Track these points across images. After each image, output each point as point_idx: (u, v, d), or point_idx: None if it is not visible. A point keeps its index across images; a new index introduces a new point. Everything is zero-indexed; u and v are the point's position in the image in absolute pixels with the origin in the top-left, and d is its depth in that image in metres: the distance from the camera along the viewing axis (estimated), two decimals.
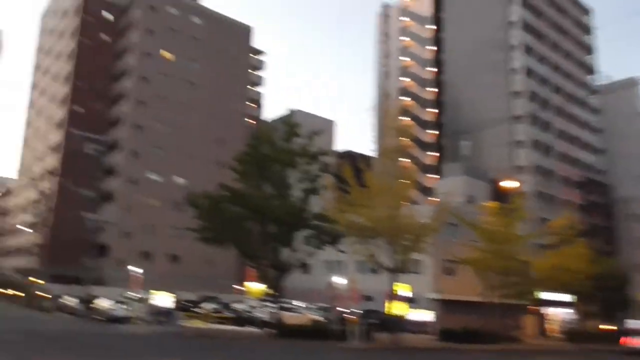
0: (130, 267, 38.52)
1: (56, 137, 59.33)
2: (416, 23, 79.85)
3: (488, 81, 62.41)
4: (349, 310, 26.68)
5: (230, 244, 26.27)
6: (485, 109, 61.90)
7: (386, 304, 26.01)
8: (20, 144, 77.36)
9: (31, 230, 59.31)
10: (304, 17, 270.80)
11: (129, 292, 35.58)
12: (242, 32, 66.56)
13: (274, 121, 64.72)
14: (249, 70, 69.09)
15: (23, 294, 48.58)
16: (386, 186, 22.86)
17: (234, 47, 64.52)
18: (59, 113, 60.21)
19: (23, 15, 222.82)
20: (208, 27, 62.73)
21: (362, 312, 26.20)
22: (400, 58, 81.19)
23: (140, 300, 32.60)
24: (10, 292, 55.54)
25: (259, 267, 27.02)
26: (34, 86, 77.37)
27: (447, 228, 31.48)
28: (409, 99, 76.99)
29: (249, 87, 68.47)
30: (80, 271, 41.38)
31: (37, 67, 77.49)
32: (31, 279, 49.21)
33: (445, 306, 35.93)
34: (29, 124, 75.96)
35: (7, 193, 78.74)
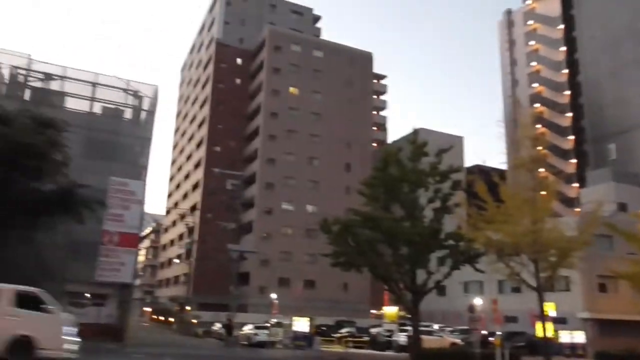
0: (269, 294, 40.28)
1: (198, 175, 64.85)
2: (544, 25, 74.93)
3: (635, 77, 56.13)
4: (491, 333, 25.10)
5: (364, 267, 26.24)
6: (634, 106, 55.62)
7: (534, 325, 23.95)
8: (168, 183, 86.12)
9: (180, 262, 64.94)
10: (420, 35, 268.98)
11: (270, 318, 37.06)
12: (362, 59, 67.75)
13: (399, 141, 64.41)
14: (372, 96, 69.95)
15: (176, 321, 53.05)
16: (525, 199, 21.28)
17: (355, 75, 65.87)
18: (199, 153, 65.90)
19: (166, 70, 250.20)
20: (328, 59, 64.92)
21: (505, 334, 24.47)
22: (529, 63, 76.51)
23: (280, 325, 33.75)
24: (164, 319, 60.99)
25: (394, 290, 26.49)
26: (177, 130, 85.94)
27: (599, 240, 28.46)
28: (541, 105, 71.91)
29: (372, 112, 69.28)
30: (226, 298, 44.08)
31: (179, 114, 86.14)
32: (182, 306, 53.59)
33: (600, 326, 32.38)
34: (174, 164, 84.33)
35: (163, 230, 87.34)
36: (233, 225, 38.60)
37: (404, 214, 25.22)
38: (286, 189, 58.17)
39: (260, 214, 56.86)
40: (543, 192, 22.88)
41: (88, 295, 29.01)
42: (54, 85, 29.96)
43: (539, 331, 23.43)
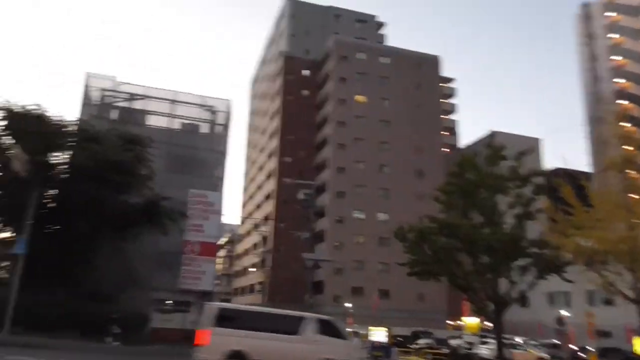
0: (343, 303, 40.09)
1: (270, 185, 66.18)
2: (626, 16, 70.42)
3: None
4: (581, 348, 23.54)
5: (442, 276, 25.56)
6: None
7: (632, 341, 22.22)
8: (242, 194, 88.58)
9: (255, 271, 66.35)
10: (490, 34, 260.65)
11: (346, 328, 36.91)
12: (429, 63, 66.71)
13: (473, 146, 62.61)
14: (441, 100, 68.60)
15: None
16: (618, 203, 19.88)
17: (422, 79, 64.93)
18: (271, 164, 67.29)
19: (236, 85, 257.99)
20: (395, 65, 64.42)
21: (599, 350, 22.84)
22: (611, 57, 72.06)
23: (357, 335, 33.43)
24: None
25: (475, 300, 25.58)
26: (249, 143, 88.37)
27: None
28: (627, 102, 67.40)
29: (442, 116, 67.88)
30: (300, 307, 44.44)
31: (250, 126, 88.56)
32: None
33: None
34: (246, 175, 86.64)
35: (237, 239, 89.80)
36: (306, 234, 38.97)
37: (482, 220, 24.35)
38: (357, 197, 58.06)
39: (332, 223, 57.06)
40: (635, 195, 21.36)
41: (171, 302, 30.20)
42: (137, 104, 31.73)
43: (637, 348, 21.71)
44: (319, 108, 65.80)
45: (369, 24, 76.57)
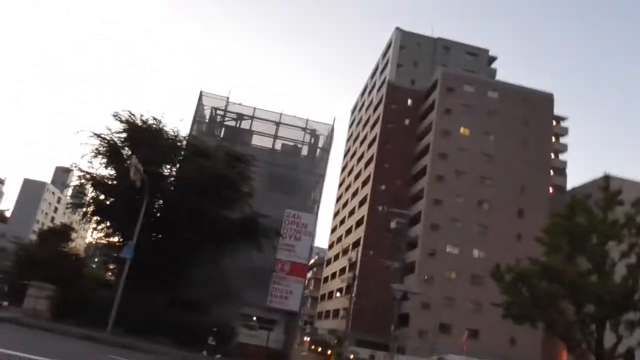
0: (428, 338, 38.66)
1: (362, 212, 66.13)
2: None
3: None
4: None
5: (540, 322, 23.97)
6: None
7: None
8: (332, 218, 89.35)
9: (340, 296, 66.12)
10: (605, 69, 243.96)
11: None
12: (541, 100, 63.90)
13: (582, 188, 58.37)
14: (551, 138, 65.17)
15: (332, 354, 53.69)
16: None
17: (532, 116, 62.28)
18: (365, 190, 67.34)
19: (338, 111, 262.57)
20: (504, 100, 62.41)
21: None
22: None
23: None
24: (322, 350, 62.11)
25: (576, 352, 23.59)
26: (344, 168, 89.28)
27: None
28: None
29: (551, 155, 64.38)
30: (384, 338, 43.53)
31: (347, 152, 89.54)
32: (340, 340, 54.14)
33: None
34: (339, 199, 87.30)
35: (326, 263, 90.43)
36: (396, 264, 38.36)
37: (590, 267, 22.59)
38: (452, 231, 56.30)
39: (423, 255, 55.69)
40: None
41: (255, 318, 30.76)
42: (244, 124, 33.33)
43: None
44: (420, 139, 65.15)
45: (479, 58, 75.08)
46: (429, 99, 65.61)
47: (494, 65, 76.37)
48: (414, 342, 50.33)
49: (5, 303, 23.64)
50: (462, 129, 61.29)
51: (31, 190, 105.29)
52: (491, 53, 76.92)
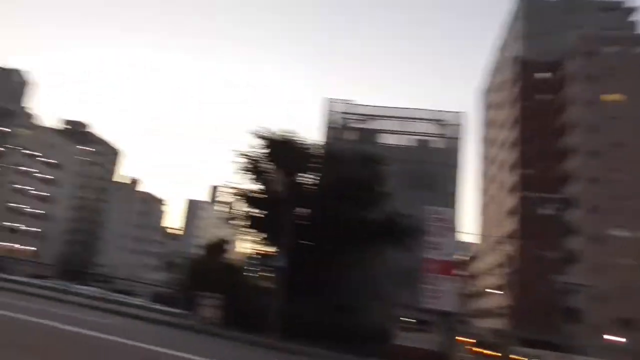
0: (605, 335, 34.40)
1: (511, 201, 61.66)
2: None
3: None
4: None
5: None
6: None
7: None
8: (478, 211, 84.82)
9: (498, 293, 62.18)
10: None
11: None
12: None
13: None
14: None
15: (498, 355, 50.47)
16: None
17: None
18: (511, 178, 62.76)
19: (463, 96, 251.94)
20: None
21: None
22: None
23: None
24: (485, 351, 58.85)
25: None
26: (484, 157, 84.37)
27: None
28: None
29: None
30: (551, 336, 39.82)
31: (484, 139, 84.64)
32: (505, 340, 50.71)
33: None
34: (484, 192, 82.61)
35: (473, 258, 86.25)
36: (555, 254, 34.77)
37: None
38: (616, 212, 49.95)
39: (586, 242, 50.10)
40: None
41: (408, 320, 29.96)
42: (371, 124, 33.00)
43: None
44: (558, 113, 59.16)
45: (614, 13, 66.51)
46: (566, 68, 59.39)
47: (632, 18, 66.96)
48: (588, 340, 45.30)
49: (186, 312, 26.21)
50: (611, 96, 54.42)
51: (191, 209, 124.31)
52: (627, 4, 67.68)
